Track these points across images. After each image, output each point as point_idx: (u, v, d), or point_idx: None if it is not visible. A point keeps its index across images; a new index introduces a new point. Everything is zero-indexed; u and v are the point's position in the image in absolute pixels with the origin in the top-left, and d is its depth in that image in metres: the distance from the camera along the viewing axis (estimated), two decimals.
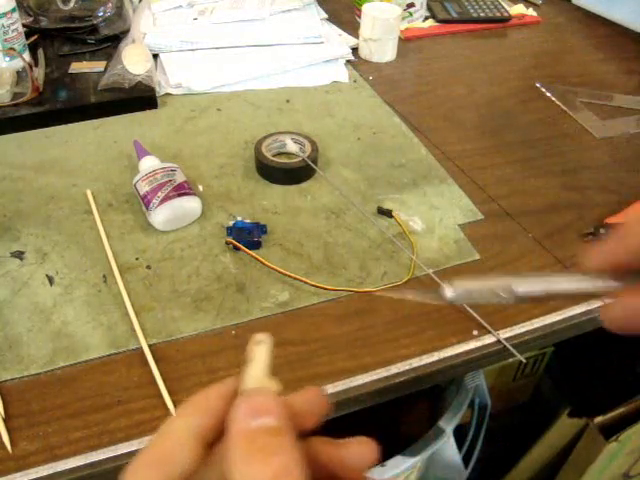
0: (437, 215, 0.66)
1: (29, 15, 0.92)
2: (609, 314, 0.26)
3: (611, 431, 0.81)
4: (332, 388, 0.49)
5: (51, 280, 0.57)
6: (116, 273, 0.57)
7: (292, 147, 0.72)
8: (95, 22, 0.92)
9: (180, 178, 0.64)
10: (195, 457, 0.23)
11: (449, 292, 0.26)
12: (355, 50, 0.95)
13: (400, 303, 0.56)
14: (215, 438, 0.24)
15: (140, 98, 0.81)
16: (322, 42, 0.94)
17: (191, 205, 0.63)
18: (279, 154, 0.73)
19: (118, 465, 0.44)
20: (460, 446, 0.83)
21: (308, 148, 0.71)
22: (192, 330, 0.53)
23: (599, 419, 0.83)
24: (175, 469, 0.23)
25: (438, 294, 0.26)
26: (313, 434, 0.25)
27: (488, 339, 0.53)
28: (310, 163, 0.68)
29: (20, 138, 0.76)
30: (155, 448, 0.24)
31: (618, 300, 0.26)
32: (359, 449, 0.26)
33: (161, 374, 0.49)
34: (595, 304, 0.56)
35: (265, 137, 0.72)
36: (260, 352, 0.26)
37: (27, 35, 0.87)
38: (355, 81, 0.89)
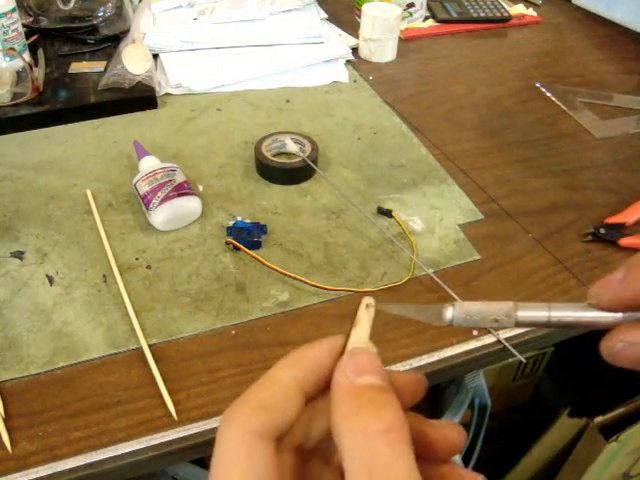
0: (437, 215, 0.66)
1: (29, 15, 0.92)
2: (610, 348, 0.25)
3: (611, 431, 0.81)
4: None
5: (51, 280, 0.57)
6: (116, 273, 0.57)
7: (292, 147, 0.72)
8: (95, 22, 0.92)
9: (180, 178, 0.64)
10: (298, 408, 0.23)
11: (448, 313, 0.26)
12: (355, 50, 0.95)
13: (400, 303, 0.56)
14: (317, 393, 0.24)
15: (140, 98, 0.81)
16: (322, 42, 0.94)
17: (191, 205, 0.63)
18: (279, 154, 0.73)
19: (118, 465, 0.44)
20: None
21: (308, 148, 0.71)
22: (192, 330, 0.53)
23: (599, 419, 0.83)
24: (278, 417, 0.23)
25: (438, 315, 0.27)
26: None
27: (488, 339, 0.53)
28: (310, 163, 0.68)
29: (20, 138, 0.76)
30: (259, 394, 0.23)
31: (620, 334, 0.25)
32: (451, 433, 0.25)
33: (161, 374, 0.49)
34: None
35: (265, 137, 0.72)
36: (368, 315, 0.26)
37: (27, 35, 0.87)
38: (355, 81, 0.89)
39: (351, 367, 0.23)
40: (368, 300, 0.26)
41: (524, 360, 0.53)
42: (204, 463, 0.72)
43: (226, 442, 0.22)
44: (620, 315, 0.25)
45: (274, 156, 0.71)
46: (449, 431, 0.25)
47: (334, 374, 0.23)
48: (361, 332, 0.25)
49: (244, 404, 0.23)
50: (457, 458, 0.82)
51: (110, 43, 0.91)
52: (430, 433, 0.25)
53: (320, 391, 0.24)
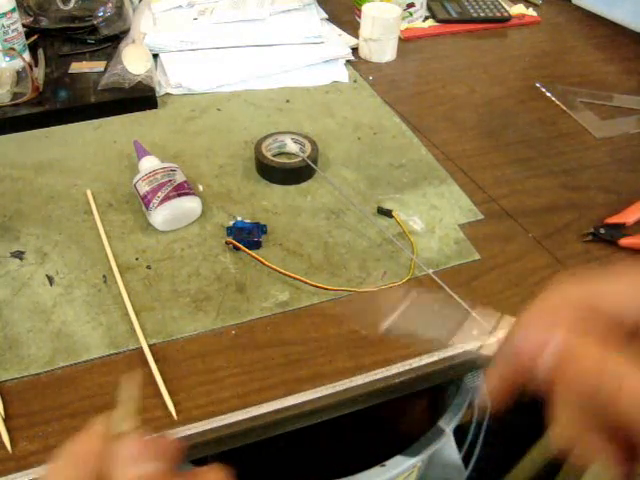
0: (437, 215, 0.66)
1: (29, 15, 0.92)
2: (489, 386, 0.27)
3: None
4: (332, 388, 0.49)
5: (51, 280, 0.57)
6: (116, 273, 0.57)
7: (292, 147, 0.72)
8: (95, 22, 0.92)
9: (180, 178, 0.64)
10: None
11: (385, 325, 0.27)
12: (355, 50, 0.95)
13: (400, 302, 0.56)
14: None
15: (140, 98, 0.81)
16: (322, 42, 0.94)
17: (191, 205, 0.63)
18: (279, 154, 0.73)
19: None
20: (460, 446, 0.83)
21: (308, 148, 0.71)
22: (192, 330, 0.53)
23: None
24: None
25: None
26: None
27: (488, 339, 0.53)
28: (310, 163, 0.68)
29: (20, 138, 0.76)
30: None
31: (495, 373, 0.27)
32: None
33: (161, 374, 0.49)
34: None
35: (265, 137, 0.72)
36: (126, 394, 0.27)
37: (27, 35, 0.87)
38: (355, 81, 0.89)
39: (121, 460, 0.24)
40: (126, 379, 0.28)
41: None
42: (204, 463, 0.72)
43: None
44: None
45: (274, 156, 0.71)
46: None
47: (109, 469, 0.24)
48: (120, 412, 0.26)
49: None
50: (457, 458, 0.82)
51: (110, 43, 0.91)
52: None
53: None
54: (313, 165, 0.69)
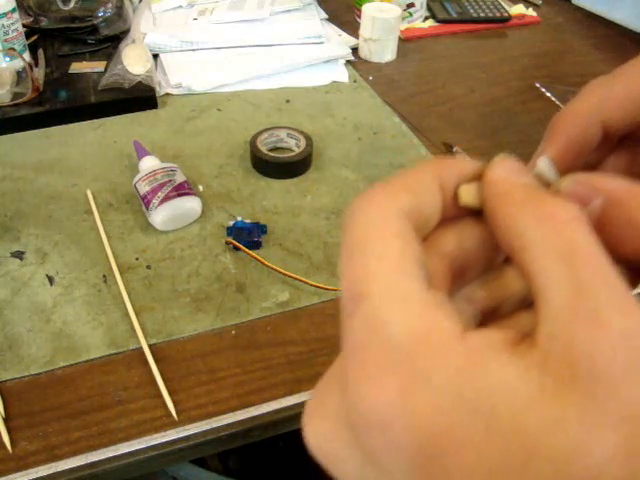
0: None
1: (29, 15, 0.92)
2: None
3: None
4: None
5: (51, 280, 0.57)
6: (116, 273, 0.57)
7: (287, 141, 0.73)
8: (95, 22, 0.92)
9: (180, 178, 0.64)
10: (440, 204, 0.19)
11: None
12: (355, 50, 0.95)
13: None
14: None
15: (140, 98, 0.81)
16: (322, 42, 0.94)
17: (191, 205, 0.63)
18: (275, 149, 0.73)
19: (118, 465, 0.44)
20: None
21: (303, 143, 0.71)
22: (192, 330, 0.53)
23: None
24: (424, 202, 0.19)
25: None
26: None
27: None
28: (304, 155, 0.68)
29: (20, 138, 0.76)
30: (396, 179, 0.19)
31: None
32: None
33: (161, 374, 0.49)
34: None
35: (261, 132, 0.73)
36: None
37: (27, 35, 0.87)
38: (355, 81, 0.89)
39: (509, 166, 0.19)
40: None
41: None
42: (204, 463, 0.72)
43: (366, 221, 0.18)
44: None
45: (270, 151, 0.71)
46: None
47: (487, 174, 0.19)
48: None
49: (381, 187, 0.18)
50: None
51: (110, 43, 0.91)
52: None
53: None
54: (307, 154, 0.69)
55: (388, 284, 0.16)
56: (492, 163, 0.20)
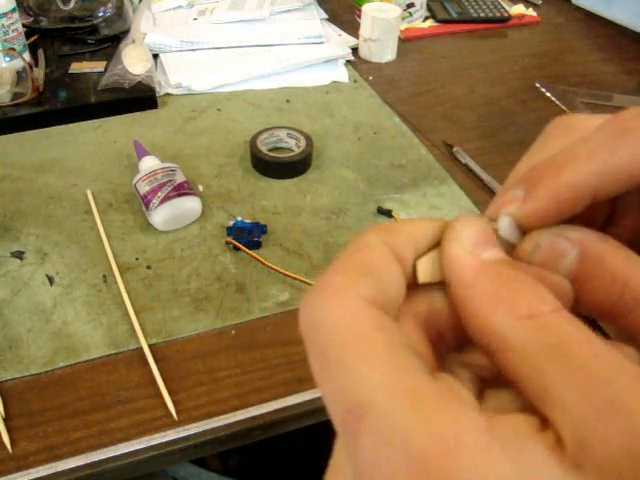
0: (437, 215, 0.66)
1: (29, 15, 0.92)
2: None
3: None
4: None
5: (51, 280, 0.57)
6: (116, 273, 0.57)
7: (287, 141, 0.73)
8: (95, 22, 0.92)
9: (180, 178, 0.64)
10: (401, 281, 0.17)
11: None
12: (355, 50, 0.95)
13: None
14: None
15: (140, 98, 0.81)
16: (322, 42, 0.94)
17: (191, 205, 0.63)
18: (275, 149, 0.73)
19: (118, 465, 0.44)
20: None
21: (303, 143, 0.71)
22: (192, 330, 0.53)
23: None
24: (386, 286, 0.17)
25: None
26: None
27: None
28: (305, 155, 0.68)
29: (20, 138, 0.76)
30: (354, 259, 0.17)
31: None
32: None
33: (161, 374, 0.49)
34: None
35: (261, 132, 0.73)
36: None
37: (27, 35, 0.87)
38: (355, 81, 0.89)
39: (469, 238, 0.17)
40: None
41: None
42: (204, 463, 0.72)
43: (334, 323, 0.16)
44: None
45: (269, 151, 0.71)
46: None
47: (445, 248, 0.17)
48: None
49: (334, 275, 0.17)
50: None
51: (110, 43, 0.91)
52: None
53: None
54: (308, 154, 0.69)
55: (390, 387, 0.14)
56: (449, 231, 0.18)
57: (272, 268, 0.58)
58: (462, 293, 0.16)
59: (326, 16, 1.02)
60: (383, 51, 0.94)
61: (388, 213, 0.65)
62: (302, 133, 0.72)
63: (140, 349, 0.51)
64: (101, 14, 0.92)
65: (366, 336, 0.15)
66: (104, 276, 0.58)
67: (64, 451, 0.44)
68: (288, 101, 0.84)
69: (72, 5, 0.93)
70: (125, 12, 0.94)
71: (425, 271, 0.18)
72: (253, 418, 0.47)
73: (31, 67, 0.79)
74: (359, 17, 0.95)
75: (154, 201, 0.61)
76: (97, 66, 0.86)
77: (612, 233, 0.18)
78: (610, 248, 0.17)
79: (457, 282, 0.17)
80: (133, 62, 0.83)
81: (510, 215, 0.18)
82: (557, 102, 0.87)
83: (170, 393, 0.48)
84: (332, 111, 0.82)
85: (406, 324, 0.17)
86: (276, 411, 0.47)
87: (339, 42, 0.95)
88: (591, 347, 0.14)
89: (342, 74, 0.90)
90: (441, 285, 0.18)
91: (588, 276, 0.17)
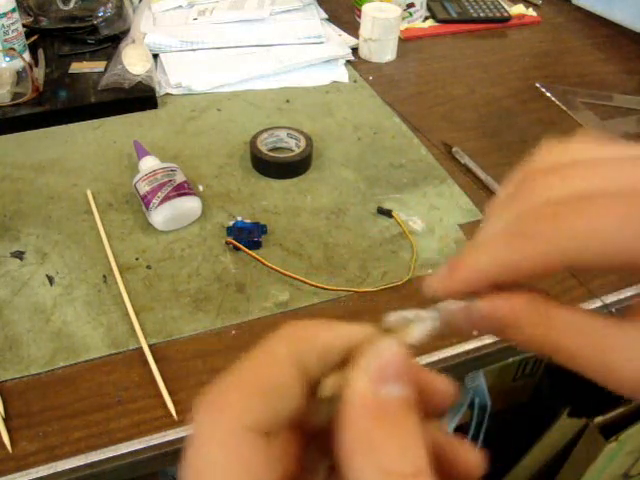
0: (437, 215, 0.66)
1: (29, 15, 0.92)
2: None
3: (611, 431, 0.81)
4: None
5: (51, 280, 0.57)
6: (116, 273, 0.57)
7: (287, 141, 0.73)
8: (95, 22, 0.92)
9: (180, 178, 0.64)
10: (300, 397, 0.18)
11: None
12: (355, 50, 0.95)
13: (400, 302, 0.56)
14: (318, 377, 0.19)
15: (140, 98, 0.81)
16: (322, 42, 0.94)
17: (191, 205, 0.63)
18: (275, 149, 0.73)
19: (118, 465, 0.44)
20: None
21: (303, 143, 0.71)
22: (192, 330, 0.53)
23: (599, 419, 0.83)
24: (278, 408, 0.18)
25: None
26: None
27: (488, 339, 0.53)
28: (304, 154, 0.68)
29: (20, 138, 0.76)
30: (252, 373, 0.19)
31: None
32: (472, 459, 0.21)
33: (161, 374, 0.49)
34: (595, 304, 0.56)
35: (261, 132, 0.73)
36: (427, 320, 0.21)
37: (27, 35, 0.86)
38: (355, 81, 0.89)
39: (376, 371, 0.18)
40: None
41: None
42: None
43: (210, 436, 0.18)
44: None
45: (269, 151, 0.71)
46: (471, 457, 0.21)
47: (352, 372, 0.18)
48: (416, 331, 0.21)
49: (234, 385, 0.19)
50: None
51: (110, 43, 0.91)
52: (451, 458, 0.20)
53: (322, 375, 0.20)
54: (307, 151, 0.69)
55: None
56: (360, 357, 0.19)
57: (272, 268, 0.58)
58: (344, 420, 0.17)
59: (326, 16, 1.02)
60: (383, 51, 0.94)
61: (388, 213, 0.65)
62: (302, 133, 0.72)
63: (140, 349, 0.51)
64: (101, 14, 0.92)
65: (224, 468, 0.17)
66: (104, 276, 0.58)
67: (64, 451, 0.44)
68: (288, 101, 0.84)
69: (72, 5, 0.93)
70: (125, 12, 0.94)
71: (328, 389, 0.19)
72: None
73: (31, 67, 0.79)
74: (359, 17, 0.95)
75: (154, 201, 0.61)
76: (97, 66, 0.86)
77: None
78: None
79: (345, 406, 0.18)
80: (133, 62, 0.83)
81: (434, 291, 0.21)
82: (557, 102, 0.87)
83: (170, 393, 0.48)
84: (332, 111, 0.82)
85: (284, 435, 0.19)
86: None
87: (339, 42, 0.95)
88: None
89: (342, 74, 0.90)
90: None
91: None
